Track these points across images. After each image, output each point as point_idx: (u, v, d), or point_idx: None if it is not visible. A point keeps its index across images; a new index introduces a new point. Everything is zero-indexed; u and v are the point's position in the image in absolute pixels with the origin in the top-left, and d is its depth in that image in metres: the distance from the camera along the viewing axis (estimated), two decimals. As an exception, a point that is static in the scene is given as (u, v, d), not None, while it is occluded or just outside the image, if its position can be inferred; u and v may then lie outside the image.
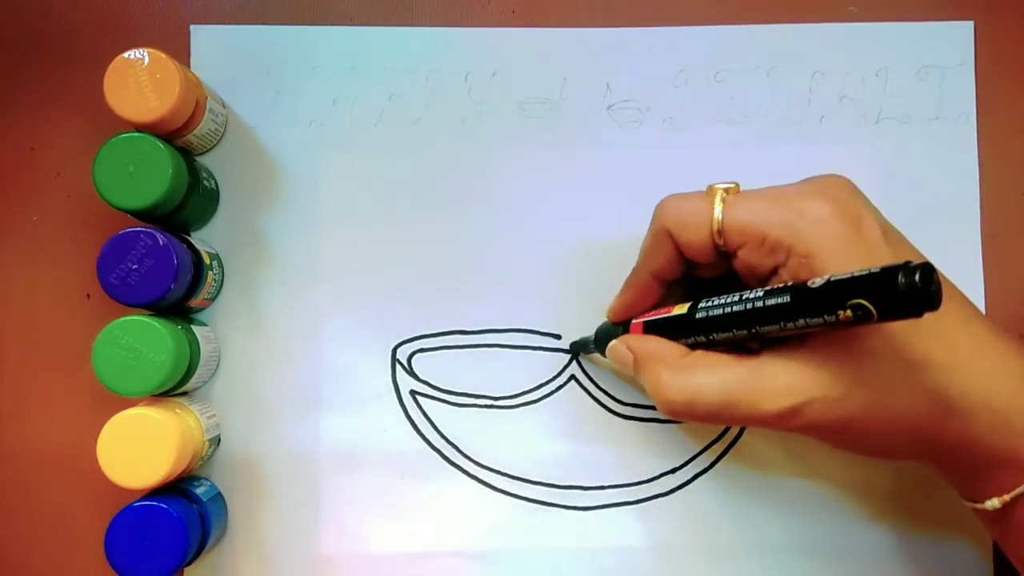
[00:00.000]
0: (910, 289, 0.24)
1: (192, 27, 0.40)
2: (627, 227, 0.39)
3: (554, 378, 0.39)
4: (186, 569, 0.38)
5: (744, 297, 0.29)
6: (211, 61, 0.40)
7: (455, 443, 0.39)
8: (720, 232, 0.30)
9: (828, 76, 0.40)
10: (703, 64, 0.40)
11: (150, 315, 0.35)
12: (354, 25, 0.40)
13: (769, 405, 0.29)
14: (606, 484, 0.39)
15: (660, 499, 0.39)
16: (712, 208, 0.30)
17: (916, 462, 0.32)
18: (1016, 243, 0.40)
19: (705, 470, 0.39)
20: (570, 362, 0.40)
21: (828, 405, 0.28)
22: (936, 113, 0.40)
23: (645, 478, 0.39)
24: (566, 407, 0.39)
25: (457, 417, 0.39)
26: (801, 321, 0.27)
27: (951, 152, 0.40)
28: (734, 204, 0.30)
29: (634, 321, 0.35)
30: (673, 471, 0.39)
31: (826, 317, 0.26)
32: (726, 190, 0.31)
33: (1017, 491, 0.29)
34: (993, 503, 0.30)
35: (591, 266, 0.40)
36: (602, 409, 0.39)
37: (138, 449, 0.33)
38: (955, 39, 0.40)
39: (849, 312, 0.26)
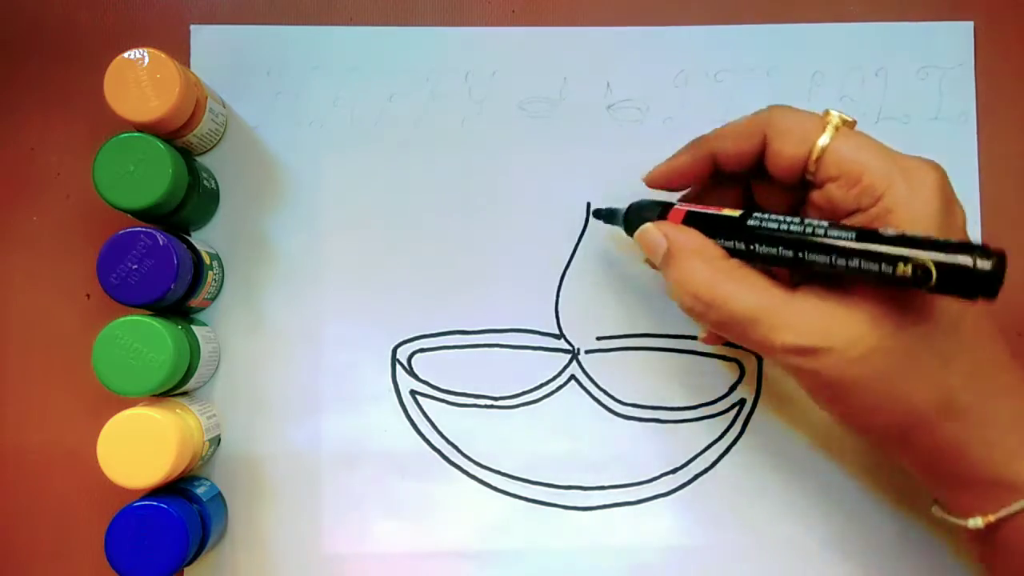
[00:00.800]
0: (980, 271, 0.24)
1: (192, 27, 0.40)
2: (627, 227, 0.40)
3: (554, 378, 0.39)
4: (186, 569, 0.38)
5: (806, 221, 0.29)
6: (211, 61, 0.40)
7: (455, 443, 0.39)
8: (818, 160, 0.29)
9: (828, 76, 0.40)
10: (703, 64, 0.40)
11: (150, 315, 0.35)
12: (354, 25, 0.40)
13: (786, 336, 0.28)
14: (606, 484, 0.39)
15: (660, 499, 0.39)
16: (821, 132, 0.30)
17: (892, 456, 0.32)
18: (1016, 243, 0.40)
19: (705, 470, 0.39)
20: (570, 362, 0.40)
21: (843, 360, 0.28)
22: (936, 113, 0.40)
23: (645, 478, 0.39)
24: (566, 407, 0.39)
25: (457, 417, 0.39)
26: (855, 262, 0.27)
27: (951, 152, 0.40)
28: (845, 136, 0.29)
29: (677, 206, 0.33)
30: (673, 471, 0.39)
31: (883, 267, 0.26)
32: (843, 120, 0.30)
33: (1004, 512, 0.29)
34: (976, 522, 0.30)
35: (591, 265, 0.40)
36: (602, 409, 0.39)
37: (138, 449, 0.33)
38: (955, 39, 0.40)
39: (908, 269, 0.25)
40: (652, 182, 0.35)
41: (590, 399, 0.39)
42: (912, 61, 0.40)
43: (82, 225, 0.39)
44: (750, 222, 0.30)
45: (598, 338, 0.40)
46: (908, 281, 0.26)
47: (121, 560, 0.33)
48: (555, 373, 0.39)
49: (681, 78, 0.40)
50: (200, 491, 0.37)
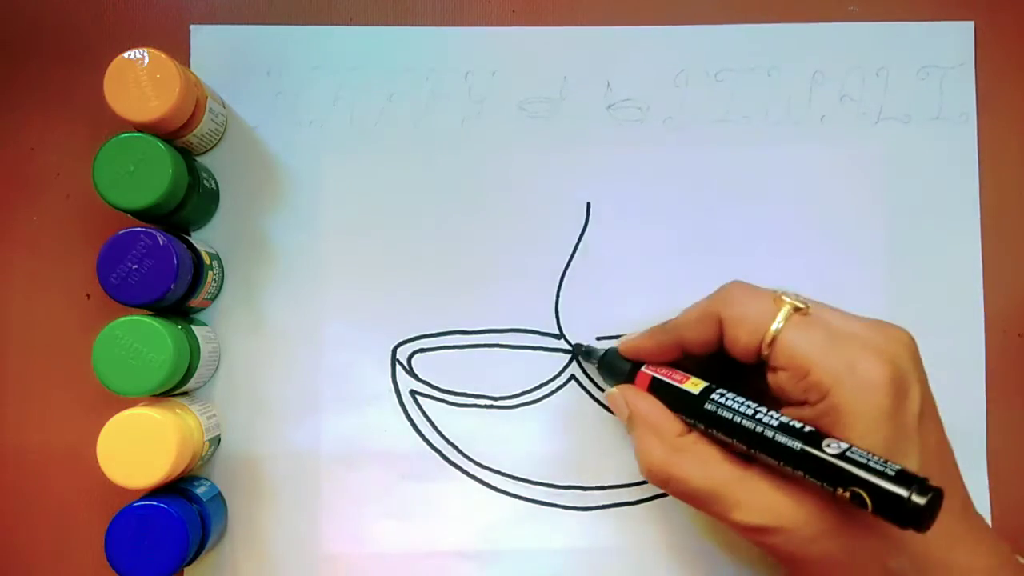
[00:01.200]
0: (915, 507, 0.25)
1: (192, 27, 0.40)
2: (627, 226, 0.40)
3: (554, 378, 0.39)
4: (186, 569, 0.38)
5: (758, 417, 0.30)
6: (211, 61, 0.40)
7: (455, 443, 0.39)
8: (771, 344, 0.30)
9: (828, 76, 0.40)
10: (704, 63, 0.40)
11: (150, 315, 0.35)
12: (354, 25, 0.40)
13: (741, 515, 0.30)
14: (606, 484, 0.39)
15: (660, 499, 0.39)
16: (773, 320, 0.30)
17: None
18: (1016, 243, 0.40)
19: (705, 470, 0.39)
20: (570, 362, 0.40)
21: (795, 540, 0.29)
22: (936, 113, 0.40)
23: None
24: (566, 407, 0.39)
25: (457, 417, 0.39)
26: (799, 473, 0.28)
27: (951, 152, 0.40)
28: (795, 327, 0.30)
29: (643, 370, 0.34)
30: (673, 471, 0.39)
31: (824, 485, 0.27)
32: (795, 307, 0.30)
33: None
34: None
35: (591, 265, 0.40)
36: (602, 409, 0.39)
37: (138, 449, 0.33)
38: (955, 39, 0.40)
39: (848, 495, 0.26)
40: (625, 352, 0.36)
41: (590, 399, 0.39)
42: (913, 61, 0.40)
43: (82, 225, 0.39)
44: (707, 406, 0.31)
45: (598, 338, 0.40)
46: (848, 500, 0.26)
47: (121, 560, 0.33)
48: (555, 373, 0.39)
49: (682, 78, 0.40)
50: (200, 491, 0.37)
